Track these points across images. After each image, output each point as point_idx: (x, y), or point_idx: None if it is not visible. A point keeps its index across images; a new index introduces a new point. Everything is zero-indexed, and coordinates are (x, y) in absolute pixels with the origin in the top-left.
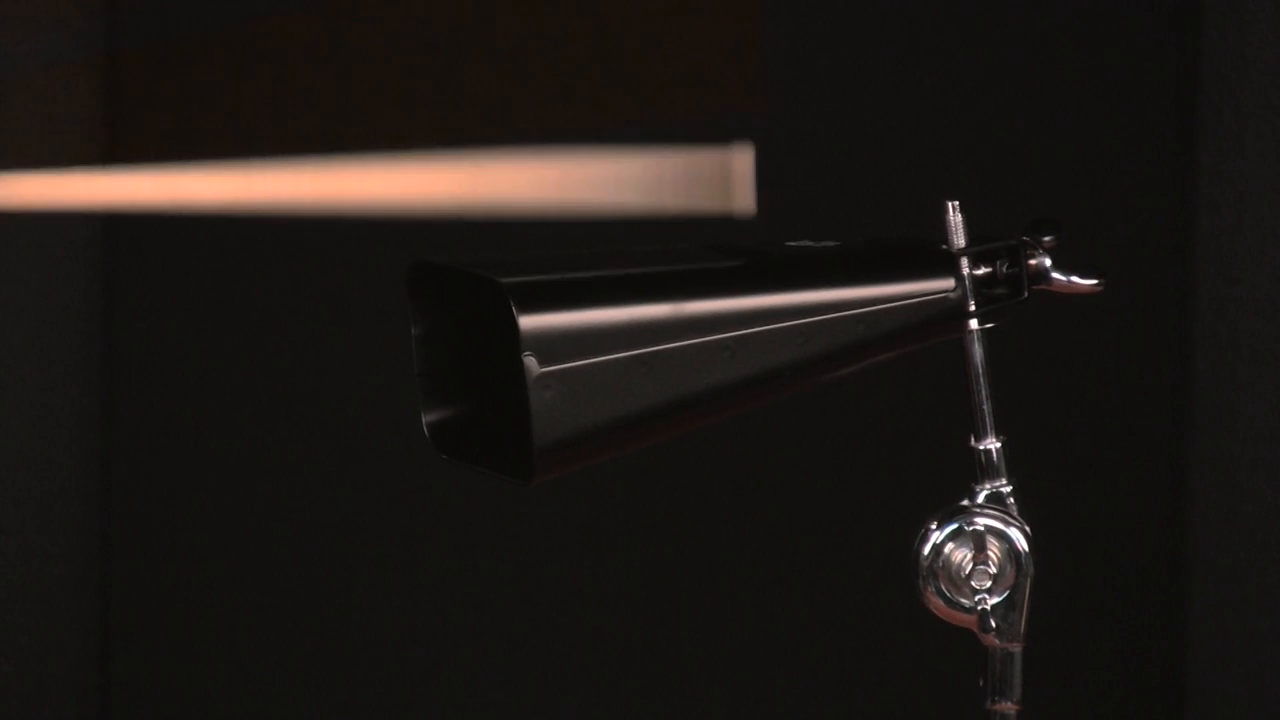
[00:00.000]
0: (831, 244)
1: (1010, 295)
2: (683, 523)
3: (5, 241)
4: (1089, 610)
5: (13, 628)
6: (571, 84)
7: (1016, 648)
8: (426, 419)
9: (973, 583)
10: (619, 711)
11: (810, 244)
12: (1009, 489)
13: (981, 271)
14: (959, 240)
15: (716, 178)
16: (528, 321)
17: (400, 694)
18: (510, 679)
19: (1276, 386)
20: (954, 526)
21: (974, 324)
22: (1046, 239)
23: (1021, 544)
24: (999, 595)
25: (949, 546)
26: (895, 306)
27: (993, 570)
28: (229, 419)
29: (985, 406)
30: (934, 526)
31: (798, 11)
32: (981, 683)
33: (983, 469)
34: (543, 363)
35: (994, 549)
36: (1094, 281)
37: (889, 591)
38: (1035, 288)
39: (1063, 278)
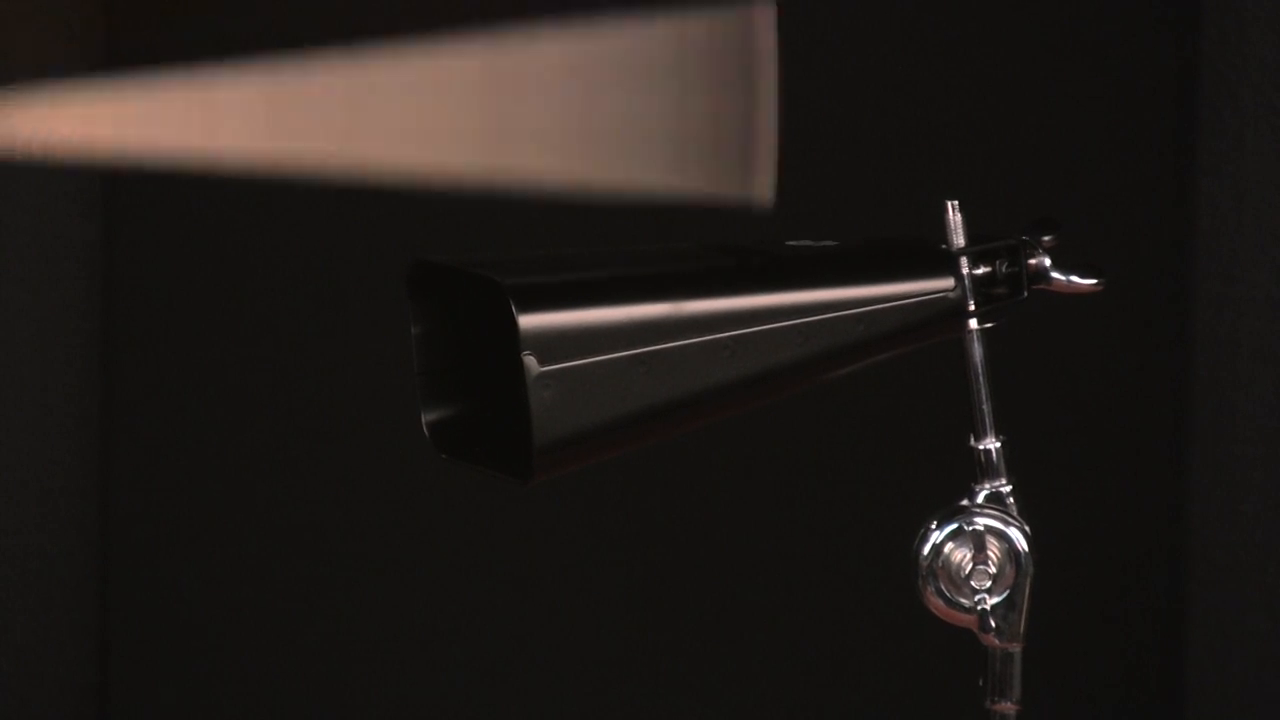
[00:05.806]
0: (831, 244)
1: (1010, 295)
2: (683, 523)
3: (5, 240)
4: (1089, 610)
5: (13, 628)
6: None
7: (1016, 648)
8: (426, 418)
9: (972, 583)
10: (619, 711)
11: (810, 244)
12: (1009, 489)
13: (981, 271)
14: (959, 240)
15: (736, 161)
16: (527, 321)
17: (400, 694)
18: (510, 678)
19: (1276, 386)
20: (954, 526)
21: (973, 323)
22: (1046, 238)
23: (1021, 544)
24: (999, 595)
25: (949, 546)
26: (895, 306)
27: (992, 570)
28: (229, 419)
29: (985, 406)
30: (934, 526)
31: (796, 12)
32: (981, 683)
33: (982, 469)
34: (542, 362)
35: (994, 549)
36: (1094, 281)
37: (889, 591)
38: (1035, 287)
39: (1062, 277)
